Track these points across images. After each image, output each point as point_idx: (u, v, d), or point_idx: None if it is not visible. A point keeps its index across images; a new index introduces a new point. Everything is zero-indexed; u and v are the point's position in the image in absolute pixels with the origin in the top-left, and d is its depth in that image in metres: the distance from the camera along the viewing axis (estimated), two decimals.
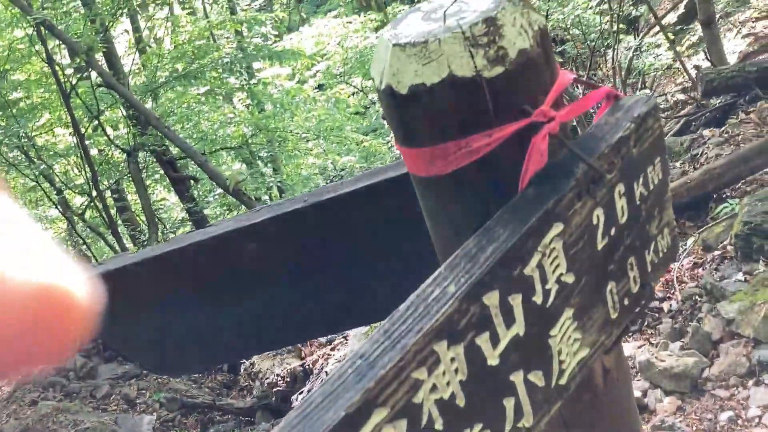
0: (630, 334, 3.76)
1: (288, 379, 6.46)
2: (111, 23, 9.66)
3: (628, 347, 3.59)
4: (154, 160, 10.80)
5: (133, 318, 1.28)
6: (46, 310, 0.47)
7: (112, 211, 11.22)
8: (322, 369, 5.86)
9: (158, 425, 6.04)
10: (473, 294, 0.77)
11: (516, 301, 0.82)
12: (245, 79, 12.10)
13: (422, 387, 0.73)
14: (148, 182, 11.85)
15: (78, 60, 8.95)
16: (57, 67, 9.22)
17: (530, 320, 0.85)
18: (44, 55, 9.13)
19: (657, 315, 3.76)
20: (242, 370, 7.34)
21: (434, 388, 0.75)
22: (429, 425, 0.75)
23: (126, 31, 12.74)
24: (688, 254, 4.15)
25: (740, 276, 3.66)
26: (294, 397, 5.91)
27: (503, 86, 0.85)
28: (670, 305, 3.80)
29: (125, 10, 9.96)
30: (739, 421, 2.90)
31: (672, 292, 3.88)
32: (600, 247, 0.95)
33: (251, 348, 1.44)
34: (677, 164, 5.18)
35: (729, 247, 3.93)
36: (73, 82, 9.38)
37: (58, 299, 0.48)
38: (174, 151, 9.86)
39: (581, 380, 1.06)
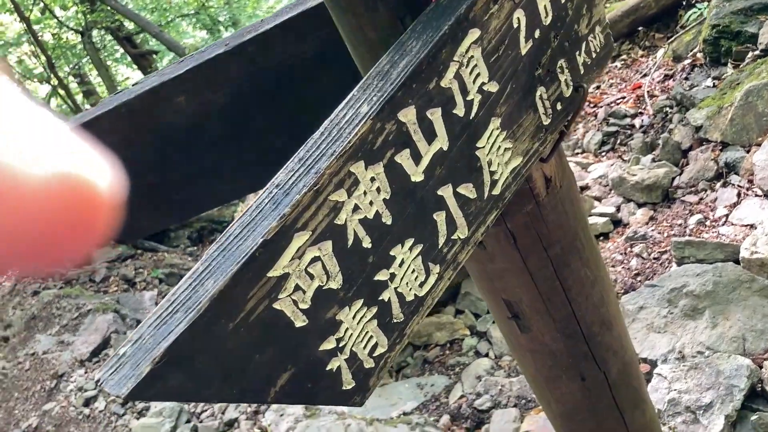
0: (603, 153, 3.80)
1: None
2: None
3: (600, 166, 3.64)
4: (111, 38, 10.37)
5: None
6: (69, 202, 0.43)
7: (78, 97, 10.93)
8: None
9: (160, 300, 6.24)
10: (387, 111, 0.75)
11: (435, 115, 0.81)
12: None
13: (343, 208, 0.73)
14: (109, 62, 11.44)
15: None
16: None
17: (453, 133, 0.84)
18: None
19: (629, 131, 3.78)
20: None
21: (356, 208, 0.75)
22: (356, 244, 0.76)
23: None
24: (659, 67, 4.10)
25: (709, 82, 3.64)
26: None
27: None
28: (642, 120, 3.81)
29: None
30: (707, 222, 3.00)
31: (643, 107, 3.87)
32: (524, 51, 0.92)
33: (204, 202, 1.44)
34: None
35: (699, 54, 3.88)
36: None
37: (81, 189, 0.44)
38: (130, 26, 9.43)
39: (520, 190, 1.08)
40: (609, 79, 4.35)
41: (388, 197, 0.78)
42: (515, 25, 0.89)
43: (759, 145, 3.01)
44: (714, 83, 3.57)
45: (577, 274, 1.27)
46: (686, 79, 3.78)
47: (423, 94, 0.79)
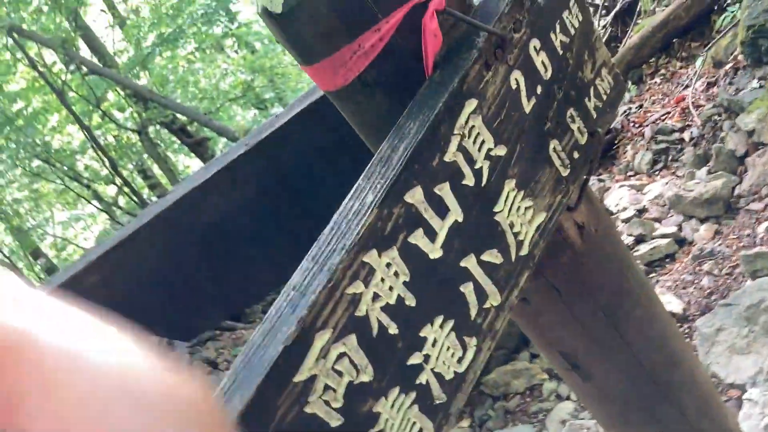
0: (656, 172, 3.70)
1: None
2: (79, 7, 9.52)
3: (655, 186, 3.54)
4: (167, 131, 10.85)
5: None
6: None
7: (145, 191, 11.40)
8: None
9: None
10: (393, 197, 0.76)
11: (444, 190, 0.81)
12: (227, 26, 11.87)
13: (362, 300, 0.74)
14: (168, 153, 11.93)
15: (61, 55, 8.91)
16: (44, 68, 9.19)
17: (467, 204, 0.84)
18: (26, 60, 9.11)
19: (679, 146, 3.67)
20: None
21: (376, 297, 0.75)
22: (382, 332, 0.76)
23: (103, 10, 12.55)
24: (700, 76, 4.00)
25: (755, 83, 3.52)
26: None
27: None
28: (691, 133, 3.70)
29: None
30: None
31: (690, 119, 3.77)
32: (528, 109, 0.92)
33: (251, 297, 1.46)
34: None
35: (739, 57, 3.77)
36: (64, 78, 9.37)
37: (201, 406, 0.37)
38: (182, 117, 9.87)
39: (553, 241, 1.06)
40: (651, 96, 4.27)
41: (408, 279, 0.78)
42: (514, 87, 0.89)
43: None
44: (760, 84, 3.46)
45: (630, 315, 1.22)
46: (730, 83, 3.68)
47: (427, 172, 0.79)
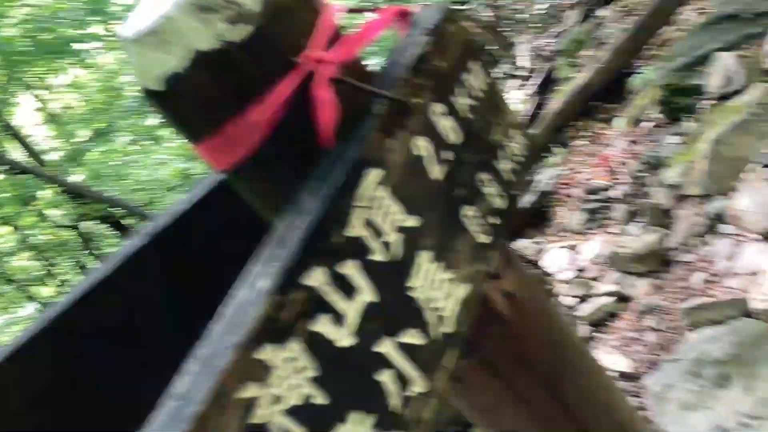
0: (589, 231, 3.73)
1: None
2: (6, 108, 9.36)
3: (590, 245, 3.56)
4: (103, 224, 10.59)
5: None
6: None
7: None
8: None
9: None
10: (288, 281, 0.68)
11: (350, 268, 0.73)
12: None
13: (257, 404, 0.64)
14: (105, 248, 11.58)
15: None
16: None
17: (379, 281, 0.76)
18: None
19: (609, 204, 3.72)
20: None
21: (277, 399, 0.65)
22: None
23: (36, 109, 12.35)
24: (622, 135, 4.11)
25: (674, 139, 3.63)
26: None
27: (259, 45, 0.75)
28: (619, 191, 3.76)
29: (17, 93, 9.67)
30: (711, 278, 2.88)
31: (617, 177, 3.84)
32: (438, 176, 0.86)
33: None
34: (586, 52, 5.13)
35: (656, 116, 3.90)
36: None
37: None
38: (120, 210, 9.65)
39: (482, 315, 0.98)
40: (577, 157, 4.36)
41: (316, 374, 0.69)
42: (420, 154, 0.83)
43: (738, 190, 2.95)
44: (679, 139, 3.57)
45: (574, 386, 1.15)
46: (651, 141, 3.78)
47: (329, 251, 0.71)
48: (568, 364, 1.14)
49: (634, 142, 3.97)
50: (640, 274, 3.17)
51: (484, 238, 0.92)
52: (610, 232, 3.53)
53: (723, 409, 2.18)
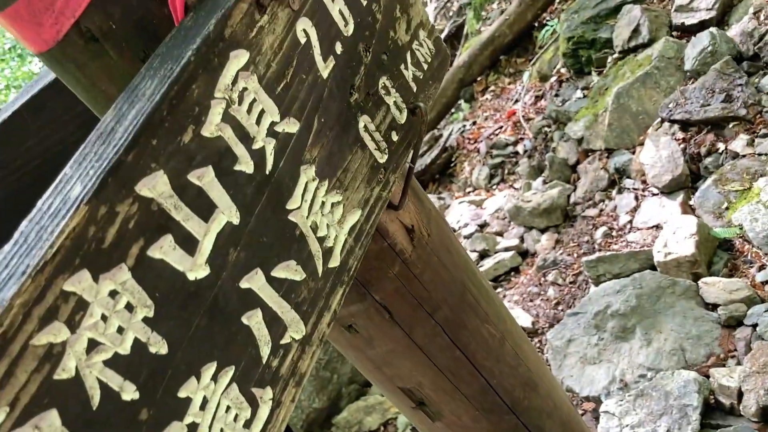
0: (494, 186, 3.67)
1: None
2: None
3: (494, 200, 3.50)
4: None
5: None
6: None
7: None
8: None
9: None
10: (115, 187, 0.49)
11: (205, 178, 0.56)
12: None
13: (66, 353, 0.46)
14: None
15: None
16: None
17: (245, 199, 0.59)
18: None
19: (514, 159, 3.67)
20: None
21: (94, 345, 0.48)
22: (109, 401, 0.48)
23: None
24: (527, 90, 4.05)
25: (579, 93, 3.60)
26: None
27: None
28: (524, 145, 3.71)
29: None
30: (613, 233, 2.87)
31: (522, 131, 3.79)
32: (326, 73, 0.69)
33: None
34: (494, 5, 5.04)
35: (562, 69, 3.86)
36: None
37: None
38: None
39: (377, 250, 0.84)
40: (483, 112, 4.28)
41: (151, 314, 0.51)
42: (303, 40, 0.66)
43: (642, 144, 2.94)
44: (584, 93, 3.53)
45: (478, 335, 1.03)
46: (557, 95, 3.74)
47: (175, 151, 0.53)
48: (472, 310, 1.02)
49: (540, 97, 3.92)
50: (542, 229, 3.13)
51: (382, 157, 0.76)
52: (514, 187, 3.48)
53: (623, 361, 2.15)
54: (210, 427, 0.56)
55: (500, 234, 3.29)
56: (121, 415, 0.49)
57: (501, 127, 3.94)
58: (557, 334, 2.38)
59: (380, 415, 2.95)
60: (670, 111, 2.85)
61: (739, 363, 2.05)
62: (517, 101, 4.03)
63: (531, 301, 2.81)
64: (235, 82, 0.59)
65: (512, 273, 3.08)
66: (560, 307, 2.70)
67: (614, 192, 3.00)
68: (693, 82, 2.90)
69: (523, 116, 3.84)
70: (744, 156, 2.55)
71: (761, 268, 2.25)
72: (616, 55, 3.41)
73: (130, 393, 0.50)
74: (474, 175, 3.82)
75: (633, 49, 3.32)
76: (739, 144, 2.59)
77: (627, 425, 1.93)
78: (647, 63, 3.10)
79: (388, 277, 0.87)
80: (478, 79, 4.55)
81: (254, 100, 0.60)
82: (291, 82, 0.64)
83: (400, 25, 0.80)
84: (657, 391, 1.95)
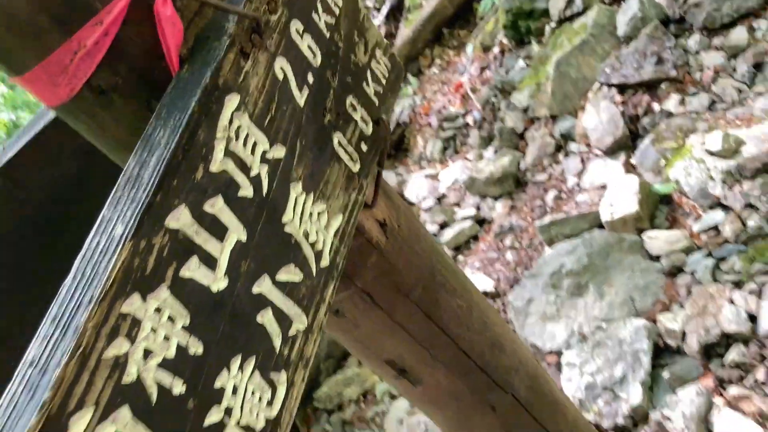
0: (448, 158, 3.81)
1: None
2: None
3: (449, 172, 3.64)
4: None
5: None
6: None
7: None
8: None
9: None
10: (150, 224, 0.61)
11: (216, 206, 0.67)
12: None
13: (129, 361, 0.58)
14: None
15: None
16: None
17: (249, 218, 0.71)
18: None
19: (465, 131, 3.81)
20: None
21: (149, 353, 0.59)
22: (164, 394, 0.60)
23: None
24: (472, 61, 4.18)
25: (521, 63, 3.74)
26: None
27: None
28: (473, 117, 3.85)
29: None
30: (563, 196, 3.04)
31: (470, 103, 3.93)
32: (303, 101, 0.80)
33: None
34: None
35: (504, 40, 4.00)
36: None
37: None
38: None
39: (357, 246, 0.96)
40: (431, 86, 4.40)
41: (188, 323, 0.63)
42: (281, 77, 0.77)
43: (584, 109, 3.11)
44: (526, 63, 3.68)
45: (449, 308, 1.16)
46: (500, 65, 3.88)
47: (191, 188, 0.65)
48: (443, 287, 1.15)
49: (484, 68, 4.06)
50: (497, 197, 3.29)
51: (355, 166, 0.88)
52: (467, 158, 3.62)
53: (580, 316, 2.33)
54: (241, 409, 0.68)
55: (457, 204, 3.44)
56: (174, 406, 0.61)
57: (450, 100, 4.07)
58: (518, 296, 2.55)
59: (359, 387, 3.10)
60: (608, 76, 3.02)
61: (681, 307, 2.24)
62: (463, 73, 4.16)
63: (491, 265, 2.97)
64: (231, 122, 0.70)
65: (472, 241, 3.24)
66: (519, 270, 2.87)
67: (561, 156, 3.17)
68: (626, 47, 3.07)
69: (470, 88, 3.98)
70: (677, 115, 2.73)
71: (697, 218, 2.44)
72: (553, 25, 3.56)
73: (178, 388, 0.62)
74: (428, 149, 3.95)
75: (569, 17, 3.47)
76: (671, 103, 2.77)
77: (587, 373, 2.11)
78: (583, 31, 3.26)
79: (368, 267, 0.99)
80: (424, 53, 4.66)
81: (247, 134, 0.72)
82: (275, 114, 0.76)
83: (359, 48, 0.92)
84: (612, 339, 2.13)
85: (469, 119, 3.84)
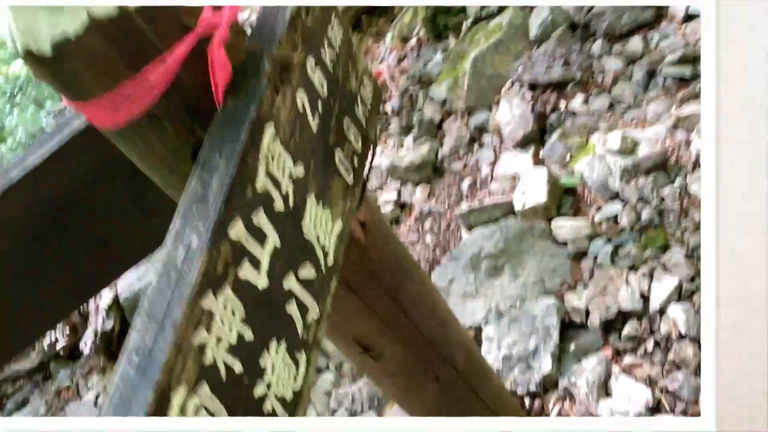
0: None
1: (68, 332, 6.06)
2: None
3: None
4: None
5: None
6: None
7: None
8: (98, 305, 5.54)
9: None
10: (218, 236, 0.75)
11: (260, 218, 0.82)
12: None
13: (208, 347, 0.72)
14: None
15: None
16: None
17: (281, 226, 0.86)
18: None
19: (385, 118, 3.99)
20: None
21: (219, 340, 0.74)
22: (230, 374, 0.76)
23: None
24: (391, 51, 4.36)
25: (439, 57, 3.95)
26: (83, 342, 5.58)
27: (157, 10, 0.78)
28: (392, 105, 4.04)
29: None
30: (477, 184, 3.30)
31: (389, 92, 4.11)
32: (315, 126, 0.96)
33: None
34: None
35: (422, 33, 4.19)
36: None
37: None
38: None
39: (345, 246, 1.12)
40: None
41: (243, 315, 0.78)
42: (300, 107, 0.92)
43: (498, 104, 3.36)
44: (443, 57, 3.89)
45: (410, 292, 1.35)
46: (418, 56, 4.08)
47: (244, 204, 0.79)
48: (405, 275, 1.34)
49: (402, 58, 4.24)
50: (416, 183, 3.50)
51: (350, 178, 1.04)
52: (387, 144, 3.81)
53: (497, 294, 2.59)
54: (277, 383, 0.84)
55: (380, 188, 3.63)
56: (236, 382, 0.76)
57: None
58: (441, 276, 2.79)
59: None
60: (520, 74, 3.28)
61: (585, 287, 2.54)
62: (382, 61, 4.33)
63: (413, 247, 3.19)
64: (269, 147, 0.85)
65: (394, 224, 3.44)
66: (437, 252, 3.10)
67: (476, 146, 3.42)
68: (538, 49, 3.34)
69: (390, 77, 4.16)
70: (581, 114, 3.03)
71: (598, 209, 2.76)
72: (469, 22, 3.79)
73: (238, 367, 0.77)
74: None
75: (485, 16, 3.71)
76: (576, 103, 3.07)
77: (504, 346, 2.38)
78: (498, 30, 3.51)
79: (351, 261, 1.16)
80: None
81: (279, 156, 0.87)
82: (298, 139, 0.91)
83: (352, 77, 1.08)
84: (525, 316, 2.40)
85: (388, 107, 4.03)
